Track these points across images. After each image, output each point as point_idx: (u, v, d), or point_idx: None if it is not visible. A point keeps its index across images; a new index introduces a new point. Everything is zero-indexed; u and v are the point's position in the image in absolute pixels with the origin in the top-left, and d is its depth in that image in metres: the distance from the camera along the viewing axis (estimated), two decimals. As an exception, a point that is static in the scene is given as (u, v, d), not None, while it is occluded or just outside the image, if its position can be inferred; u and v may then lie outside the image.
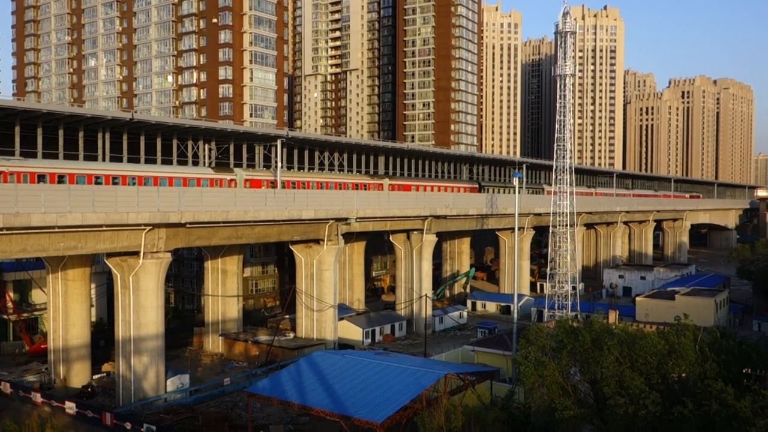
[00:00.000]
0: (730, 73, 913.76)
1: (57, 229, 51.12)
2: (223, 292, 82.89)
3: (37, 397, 59.98)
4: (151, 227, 57.17)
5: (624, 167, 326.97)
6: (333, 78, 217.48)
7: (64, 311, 67.42)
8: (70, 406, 57.12)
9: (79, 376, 67.28)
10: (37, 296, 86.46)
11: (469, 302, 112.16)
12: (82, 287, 68.52)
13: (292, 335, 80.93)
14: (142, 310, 58.48)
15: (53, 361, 68.08)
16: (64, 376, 67.06)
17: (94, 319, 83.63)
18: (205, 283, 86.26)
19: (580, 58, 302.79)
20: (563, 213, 79.84)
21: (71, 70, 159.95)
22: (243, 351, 79.33)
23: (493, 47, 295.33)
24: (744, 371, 40.80)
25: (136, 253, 57.74)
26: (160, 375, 60.17)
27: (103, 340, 79.68)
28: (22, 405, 59.48)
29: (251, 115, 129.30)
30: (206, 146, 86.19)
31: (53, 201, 49.85)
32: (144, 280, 58.29)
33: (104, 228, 53.92)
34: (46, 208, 49.27)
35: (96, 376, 68.84)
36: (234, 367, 75.19)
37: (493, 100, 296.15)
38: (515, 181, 76.66)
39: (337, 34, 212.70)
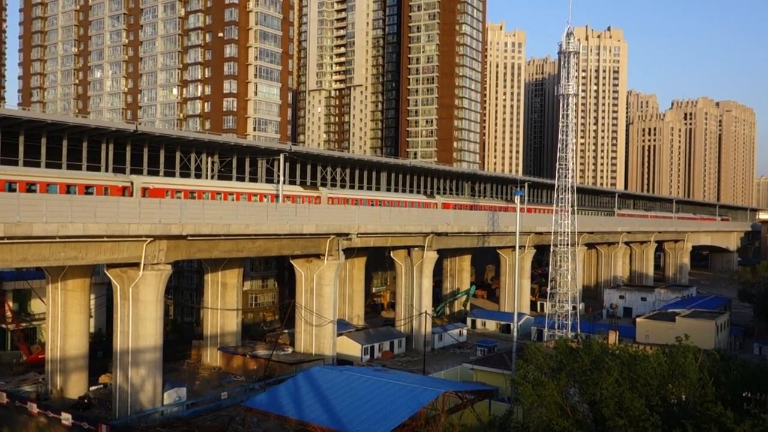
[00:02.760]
0: (732, 96, 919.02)
1: (58, 239, 51.18)
2: (223, 306, 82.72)
3: (34, 408, 59.71)
4: (152, 239, 57.21)
5: (626, 187, 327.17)
6: (337, 93, 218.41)
7: (63, 321, 67.27)
8: (66, 417, 56.83)
9: (76, 387, 67.00)
10: (36, 306, 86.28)
11: (468, 320, 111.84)
12: (82, 298, 68.42)
13: (290, 350, 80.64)
14: (141, 322, 58.35)
15: (50, 372, 67.80)
16: (61, 387, 66.77)
17: (92, 330, 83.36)
18: (204, 296, 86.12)
19: (584, 78, 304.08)
20: (564, 232, 79.82)
21: (77, 81, 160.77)
22: (241, 365, 79.00)
23: (497, 66, 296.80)
24: (744, 395, 40.60)
25: (137, 265, 57.74)
26: (158, 387, 59.91)
27: (101, 351, 79.41)
28: (19, 415, 59.22)
29: (255, 129, 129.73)
30: (209, 159, 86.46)
31: (55, 211, 49.94)
32: (144, 292, 58.21)
33: (105, 239, 53.97)
34: (48, 217, 49.34)
35: (93, 388, 68.52)
36: (232, 381, 74.84)
37: (496, 119, 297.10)
38: (517, 200, 76.74)
39: (342, 50, 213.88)
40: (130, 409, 58.21)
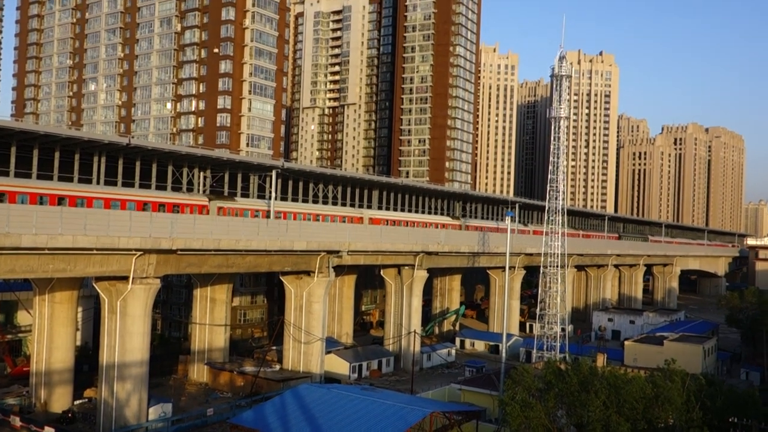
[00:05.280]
0: (722, 122, 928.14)
1: (47, 251, 50.92)
2: (211, 321, 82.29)
3: (16, 421, 59.04)
4: (141, 252, 57.00)
5: (616, 210, 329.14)
6: (330, 111, 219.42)
7: (49, 334, 66.69)
8: (50, 431, 56.19)
9: (61, 400, 66.30)
10: (22, 318, 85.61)
11: (457, 340, 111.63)
12: (69, 310, 67.93)
13: (278, 367, 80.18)
14: (128, 336, 57.95)
15: (35, 385, 67.09)
16: (45, 400, 66.06)
17: (78, 343, 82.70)
18: (193, 311, 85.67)
19: (575, 101, 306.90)
20: (554, 254, 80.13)
21: (71, 93, 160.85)
22: (228, 381, 78.44)
23: (490, 87, 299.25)
24: (731, 420, 40.72)
25: (125, 278, 57.45)
26: (143, 403, 59.37)
27: (86, 364, 78.69)
28: (1, 428, 58.50)
29: (248, 145, 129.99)
30: (202, 174, 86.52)
31: (45, 222, 49.75)
32: (132, 306, 57.89)
33: (94, 251, 53.73)
34: (38, 229, 49.14)
35: (77, 402, 67.83)
36: (218, 398, 74.27)
37: (488, 139, 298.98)
38: (507, 220, 77.10)
39: (337, 68, 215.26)
40: (115, 424, 57.58)
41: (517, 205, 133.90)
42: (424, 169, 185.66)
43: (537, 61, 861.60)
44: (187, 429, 61.83)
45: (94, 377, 68.93)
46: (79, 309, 77.67)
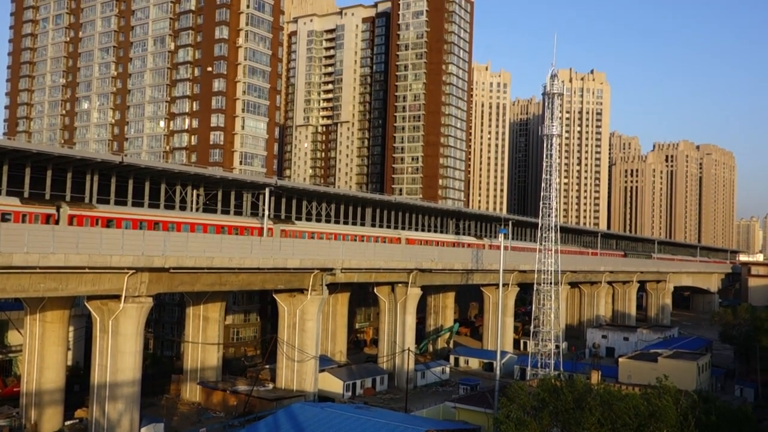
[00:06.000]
0: (713, 139, 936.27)
1: (39, 270, 50.64)
2: (204, 340, 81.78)
3: (6, 443, 58.35)
4: (134, 271, 56.74)
5: (608, 227, 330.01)
6: (324, 129, 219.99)
7: (40, 354, 66.12)
8: (39, 453, 55.52)
9: (51, 421, 65.56)
10: (13, 337, 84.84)
11: (452, 358, 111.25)
12: (60, 330, 67.42)
13: (271, 386, 79.63)
14: (120, 356, 57.51)
15: (25, 405, 66.34)
16: (36, 421, 65.29)
17: (70, 362, 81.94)
18: (185, 330, 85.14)
19: (567, 119, 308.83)
20: (548, 271, 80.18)
21: (64, 111, 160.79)
22: (221, 400, 77.82)
23: (482, 105, 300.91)
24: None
25: (117, 297, 57.13)
26: (135, 423, 58.80)
27: (77, 384, 77.97)
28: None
29: (241, 163, 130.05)
30: (195, 192, 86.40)
31: (37, 241, 49.50)
32: (124, 325, 57.50)
33: (86, 270, 53.47)
34: (29, 248, 48.89)
35: (68, 422, 67.08)
36: (211, 417, 73.61)
37: (481, 157, 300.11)
38: (501, 238, 77.23)
39: (330, 86, 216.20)
40: (106, 445, 56.97)
41: (510, 223, 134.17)
42: (418, 187, 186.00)
43: (529, 80, 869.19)
44: (179, 449, 61.18)
45: (85, 397, 68.26)
46: (71, 328, 77.03)
